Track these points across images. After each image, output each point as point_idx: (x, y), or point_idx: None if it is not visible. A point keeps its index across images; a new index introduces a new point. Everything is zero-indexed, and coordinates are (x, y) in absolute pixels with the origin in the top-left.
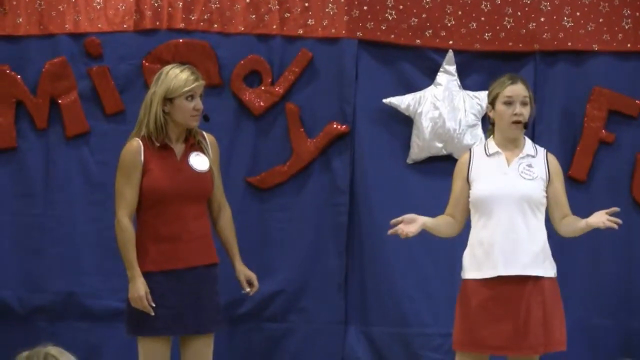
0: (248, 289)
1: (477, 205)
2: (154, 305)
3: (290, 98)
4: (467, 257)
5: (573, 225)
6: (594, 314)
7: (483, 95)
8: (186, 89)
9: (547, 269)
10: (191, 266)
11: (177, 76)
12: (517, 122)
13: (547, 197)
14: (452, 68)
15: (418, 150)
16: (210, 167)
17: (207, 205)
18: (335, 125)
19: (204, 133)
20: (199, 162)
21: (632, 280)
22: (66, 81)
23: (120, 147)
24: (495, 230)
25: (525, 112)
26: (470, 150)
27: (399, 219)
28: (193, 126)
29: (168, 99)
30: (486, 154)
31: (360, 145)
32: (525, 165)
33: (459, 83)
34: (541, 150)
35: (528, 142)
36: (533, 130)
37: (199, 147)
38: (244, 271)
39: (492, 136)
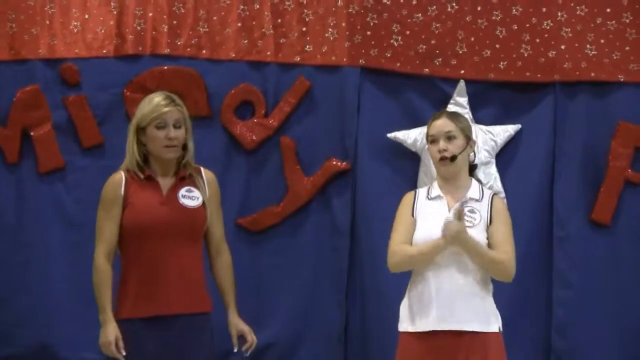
0: (236, 349)
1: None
2: (124, 353)
3: (286, 131)
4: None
5: None
6: None
7: (498, 129)
8: (154, 115)
9: (491, 323)
10: (173, 314)
11: (149, 102)
12: (443, 159)
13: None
14: (464, 100)
15: None
16: (203, 204)
17: (204, 247)
18: (334, 162)
19: (202, 168)
20: (189, 197)
21: None
22: (40, 111)
23: (98, 183)
24: (430, 282)
25: (450, 147)
26: (415, 191)
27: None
28: (168, 158)
29: (141, 129)
30: (428, 197)
31: (362, 184)
32: (467, 212)
33: (471, 116)
34: (488, 194)
35: (474, 185)
36: (552, 168)
37: (192, 182)
38: (236, 324)
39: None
